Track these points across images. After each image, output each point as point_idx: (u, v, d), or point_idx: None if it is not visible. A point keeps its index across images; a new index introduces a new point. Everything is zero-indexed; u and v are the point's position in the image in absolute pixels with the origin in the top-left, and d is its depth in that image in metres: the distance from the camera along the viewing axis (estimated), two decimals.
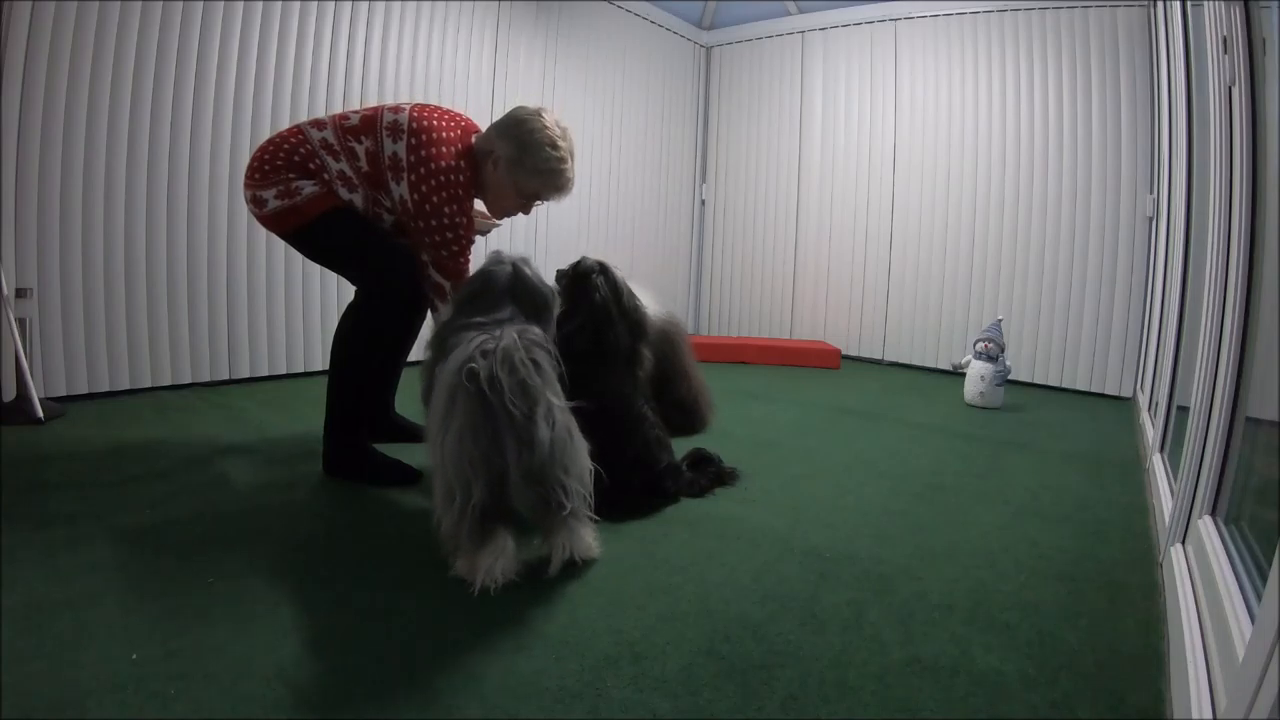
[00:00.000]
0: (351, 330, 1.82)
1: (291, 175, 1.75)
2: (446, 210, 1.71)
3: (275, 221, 1.79)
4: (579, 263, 1.93)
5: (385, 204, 1.80)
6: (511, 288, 1.50)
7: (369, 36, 3.04)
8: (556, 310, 1.63)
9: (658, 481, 1.72)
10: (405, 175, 1.71)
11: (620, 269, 1.94)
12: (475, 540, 1.21)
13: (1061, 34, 3.55)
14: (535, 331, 1.34)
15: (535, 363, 1.26)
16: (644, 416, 1.78)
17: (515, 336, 1.26)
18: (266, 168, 1.76)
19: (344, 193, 1.77)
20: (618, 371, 1.82)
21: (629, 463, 1.66)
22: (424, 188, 1.69)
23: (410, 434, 2.06)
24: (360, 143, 1.75)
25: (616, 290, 1.88)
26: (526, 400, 1.22)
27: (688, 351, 2.39)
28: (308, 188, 1.75)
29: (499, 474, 1.21)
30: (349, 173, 1.76)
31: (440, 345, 1.44)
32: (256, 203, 1.78)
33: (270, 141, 1.81)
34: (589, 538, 1.33)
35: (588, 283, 1.86)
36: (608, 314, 1.83)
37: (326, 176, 1.76)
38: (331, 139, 1.76)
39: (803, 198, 4.52)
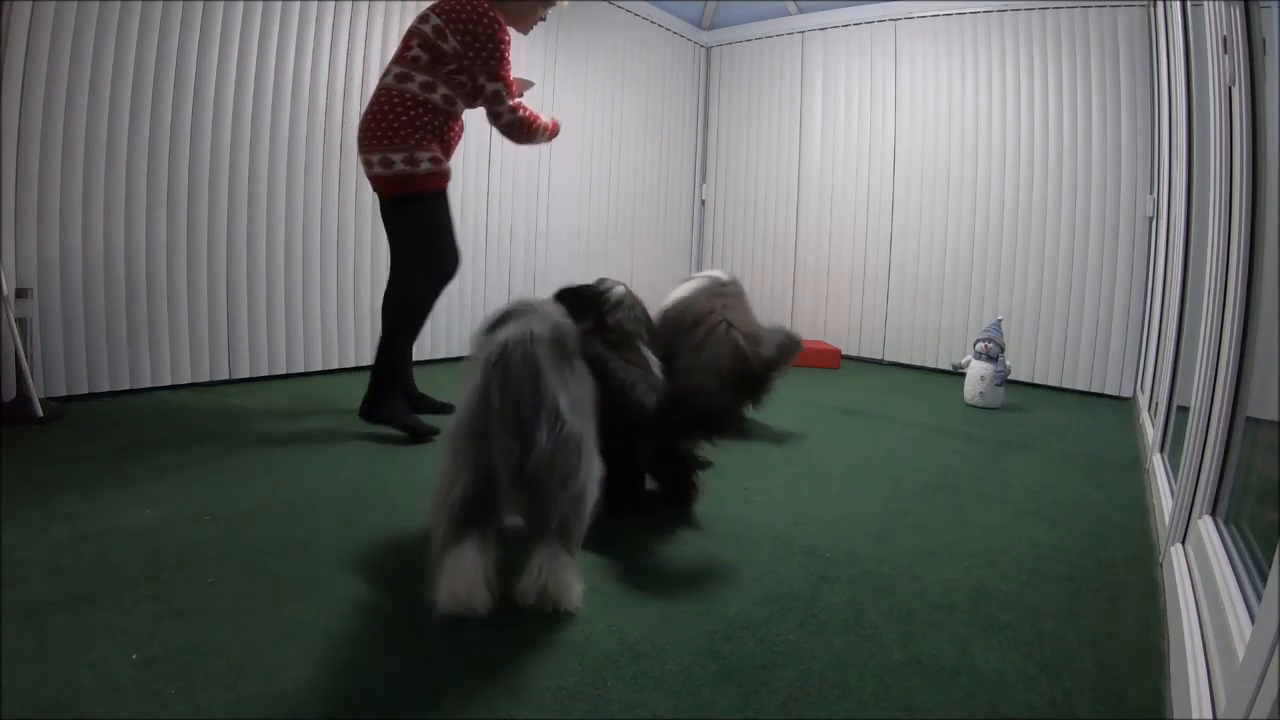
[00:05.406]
0: (413, 309, 2.24)
1: (416, 137, 2.14)
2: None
3: (394, 184, 2.16)
4: (603, 301, 1.77)
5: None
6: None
7: (369, 36, 3.04)
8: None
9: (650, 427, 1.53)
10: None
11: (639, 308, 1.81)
12: (447, 539, 1.12)
13: (1061, 34, 3.55)
14: (566, 325, 1.23)
15: (557, 356, 1.15)
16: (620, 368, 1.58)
17: (536, 327, 1.16)
18: (397, 127, 2.13)
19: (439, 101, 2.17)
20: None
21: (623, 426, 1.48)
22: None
23: (430, 407, 2.45)
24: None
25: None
26: (535, 396, 1.12)
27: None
28: (425, 161, 2.14)
29: (487, 470, 1.11)
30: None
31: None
32: (384, 164, 2.13)
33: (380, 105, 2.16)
34: (572, 580, 1.17)
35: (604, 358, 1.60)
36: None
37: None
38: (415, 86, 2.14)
39: (803, 198, 4.52)
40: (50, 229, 2.27)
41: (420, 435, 2.17)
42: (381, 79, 2.19)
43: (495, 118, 2.22)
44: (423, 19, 2.16)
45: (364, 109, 2.22)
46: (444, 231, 2.24)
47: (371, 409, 2.21)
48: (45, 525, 1.41)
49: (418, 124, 2.14)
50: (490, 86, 2.17)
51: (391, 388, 2.22)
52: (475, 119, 2.42)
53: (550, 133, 2.36)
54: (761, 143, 4.68)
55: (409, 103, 2.13)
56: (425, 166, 2.14)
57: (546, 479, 1.13)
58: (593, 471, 1.20)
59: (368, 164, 2.17)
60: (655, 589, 1.28)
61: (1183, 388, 1.96)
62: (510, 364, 1.13)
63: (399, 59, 2.16)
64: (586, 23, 4.03)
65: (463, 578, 1.11)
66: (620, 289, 1.88)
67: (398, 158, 2.12)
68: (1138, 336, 3.40)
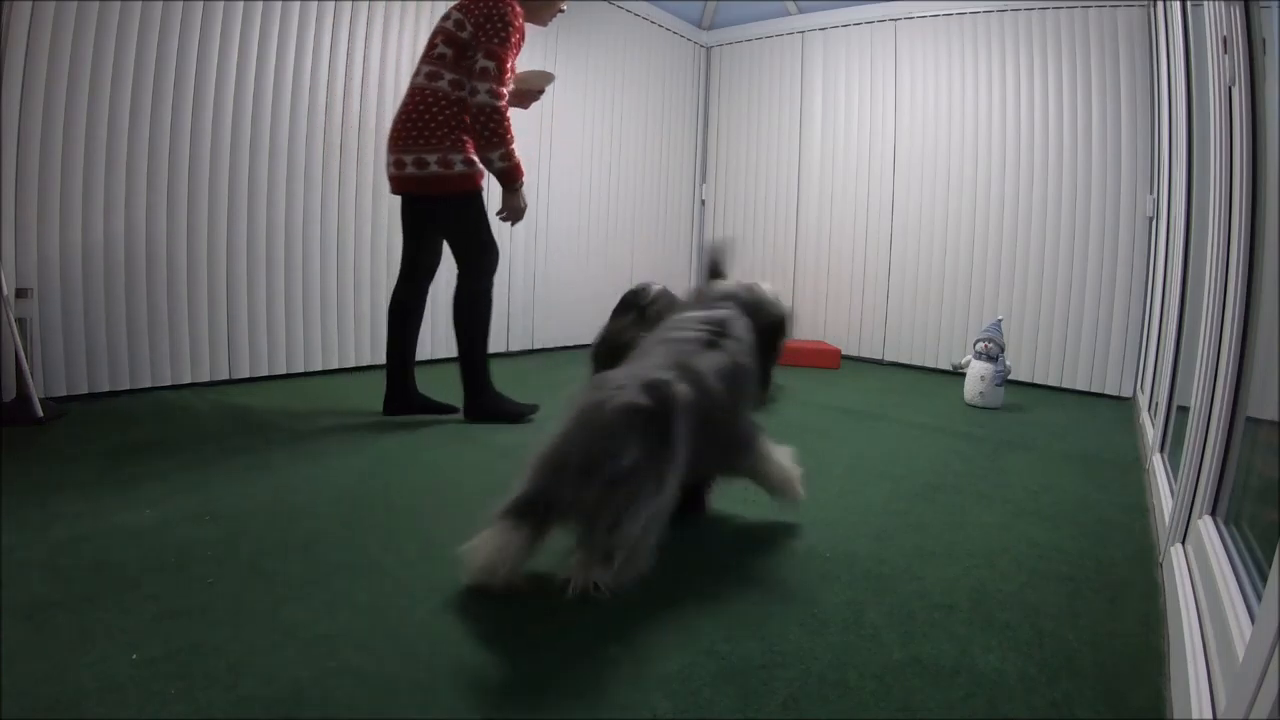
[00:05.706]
0: (477, 306, 2.29)
1: (451, 138, 2.17)
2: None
3: (427, 185, 2.19)
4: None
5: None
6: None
7: (369, 36, 3.04)
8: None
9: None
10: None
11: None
12: (499, 516, 1.20)
13: (1061, 34, 3.55)
14: (719, 366, 1.39)
15: (662, 409, 1.23)
16: None
17: (659, 379, 1.26)
18: (433, 128, 2.17)
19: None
20: None
21: None
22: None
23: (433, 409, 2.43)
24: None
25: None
26: (602, 442, 1.19)
27: None
28: (459, 163, 2.18)
29: (543, 483, 1.20)
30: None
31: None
32: (419, 165, 2.17)
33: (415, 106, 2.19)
34: (599, 573, 1.22)
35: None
36: None
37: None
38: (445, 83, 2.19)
39: (803, 198, 4.52)
40: (50, 229, 2.27)
41: (520, 417, 2.34)
42: (413, 79, 2.24)
43: (472, 93, 2.13)
44: (445, 17, 2.19)
45: (396, 109, 2.27)
46: (483, 228, 2.28)
47: (474, 409, 2.33)
48: (45, 525, 1.40)
49: (452, 123, 2.16)
50: (482, 62, 2.12)
51: (484, 383, 2.33)
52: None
53: (512, 159, 2.21)
54: (761, 143, 4.68)
55: (442, 101, 2.16)
56: (459, 168, 2.18)
57: (593, 520, 1.19)
58: (643, 523, 1.22)
59: (399, 164, 2.20)
60: (655, 589, 1.27)
61: (1183, 388, 1.96)
62: (592, 421, 1.22)
63: (427, 57, 2.20)
64: (586, 23, 4.03)
65: (492, 550, 1.17)
66: (658, 286, 2.06)
67: (432, 159, 2.16)
68: (1138, 336, 3.39)
